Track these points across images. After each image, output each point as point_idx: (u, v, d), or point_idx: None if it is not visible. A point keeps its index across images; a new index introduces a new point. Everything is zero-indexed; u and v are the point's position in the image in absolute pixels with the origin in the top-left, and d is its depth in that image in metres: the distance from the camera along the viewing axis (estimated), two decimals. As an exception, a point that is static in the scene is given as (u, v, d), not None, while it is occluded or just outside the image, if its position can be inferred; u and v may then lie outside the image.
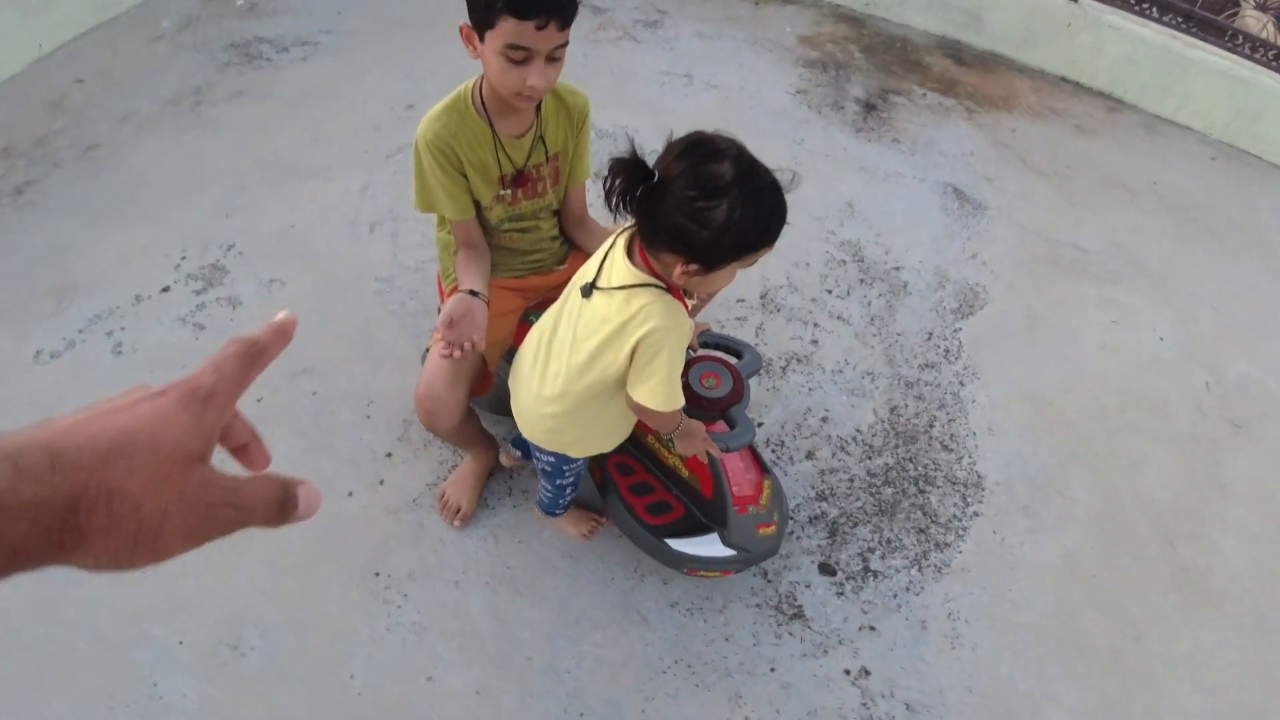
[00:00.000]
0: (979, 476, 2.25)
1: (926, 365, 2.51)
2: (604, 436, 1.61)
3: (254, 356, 0.51)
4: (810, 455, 2.23)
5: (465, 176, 1.64)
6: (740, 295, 2.61)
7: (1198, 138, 3.79)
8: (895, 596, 1.98)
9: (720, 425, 1.65)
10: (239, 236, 2.59)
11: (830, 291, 2.68)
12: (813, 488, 2.16)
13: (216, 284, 2.45)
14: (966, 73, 3.90)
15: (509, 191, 1.70)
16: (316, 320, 2.37)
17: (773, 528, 1.75)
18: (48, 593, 1.80)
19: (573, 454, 1.61)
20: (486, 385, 1.82)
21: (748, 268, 1.34)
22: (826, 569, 2.01)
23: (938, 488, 2.21)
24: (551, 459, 1.65)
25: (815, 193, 3.05)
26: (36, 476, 0.37)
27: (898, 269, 2.80)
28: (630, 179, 1.23)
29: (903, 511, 2.15)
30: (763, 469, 1.77)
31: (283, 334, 0.53)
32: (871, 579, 2.00)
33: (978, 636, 1.94)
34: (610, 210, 1.28)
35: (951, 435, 2.34)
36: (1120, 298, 2.86)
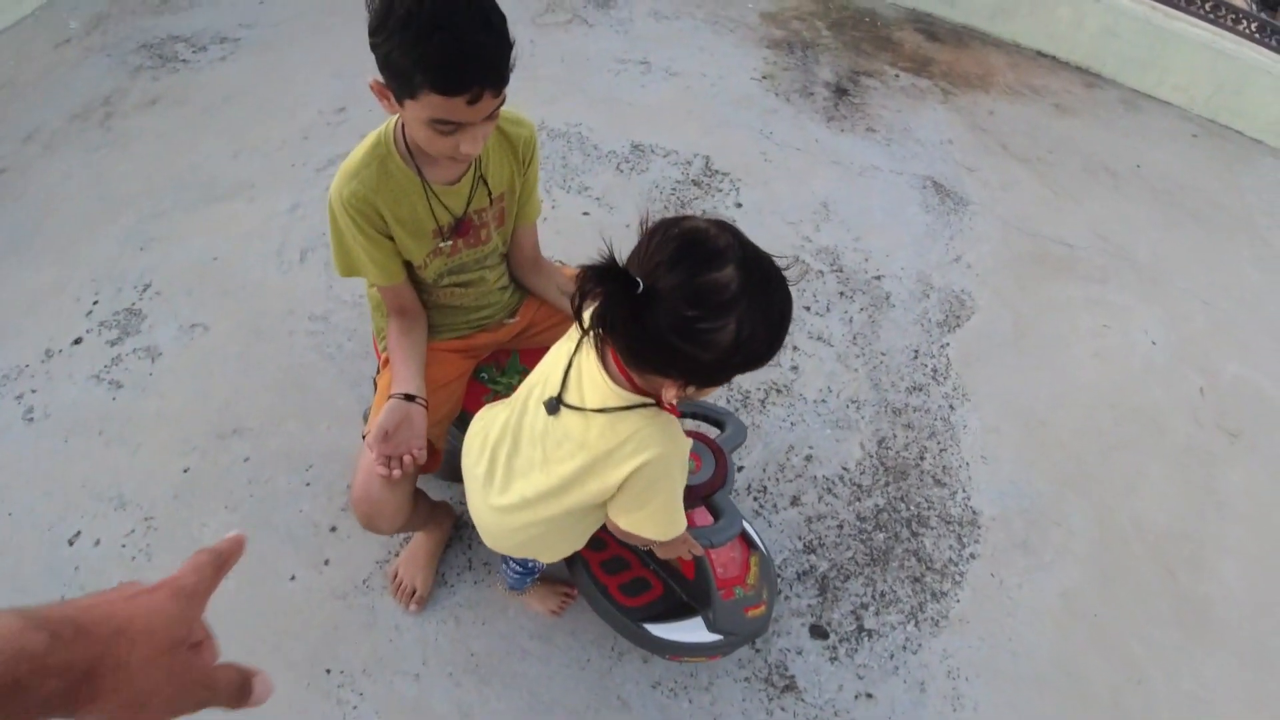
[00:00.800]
0: (974, 513, 2.11)
1: (914, 388, 2.35)
2: (582, 538, 1.40)
3: (220, 565, 0.62)
4: (795, 501, 2.06)
5: (390, 238, 1.41)
6: (713, 318, 2.42)
7: (1179, 113, 3.65)
8: (892, 657, 1.84)
9: (701, 511, 1.47)
10: (155, 272, 2.33)
11: (809, 308, 2.49)
12: (799, 538, 2.00)
13: (133, 332, 2.20)
14: (940, 49, 3.71)
15: (448, 243, 1.47)
16: (244, 369, 2.14)
17: (761, 608, 1.58)
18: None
19: (545, 560, 1.43)
20: (435, 463, 1.61)
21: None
22: (818, 631, 1.86)
23: (932, 529, 2.07)
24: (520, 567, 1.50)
25: (788, 191, 2.85)
26: (67, 644, 0.47)
27: (879, 278, 2.62)
28: (613, 296, 0.92)
29: (896, 559, 2.00)
30: (749, 544, 1.60)
31: (239, 547, 0.65)
32: (866, 639, 1.86)
33: (979, 695, 1.81)
34: (581, 329, 1.04)
35: (944, 467, 2.19)
36: (1110, 297, 2.72)
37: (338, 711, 1.65)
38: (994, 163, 3.14)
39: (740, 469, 2.10)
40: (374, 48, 1.15)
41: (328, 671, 1.69)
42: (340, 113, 2.87)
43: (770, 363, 1.06)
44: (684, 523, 1.21)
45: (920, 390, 2.35)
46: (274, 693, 0.60)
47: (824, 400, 2.28)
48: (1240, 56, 3.52)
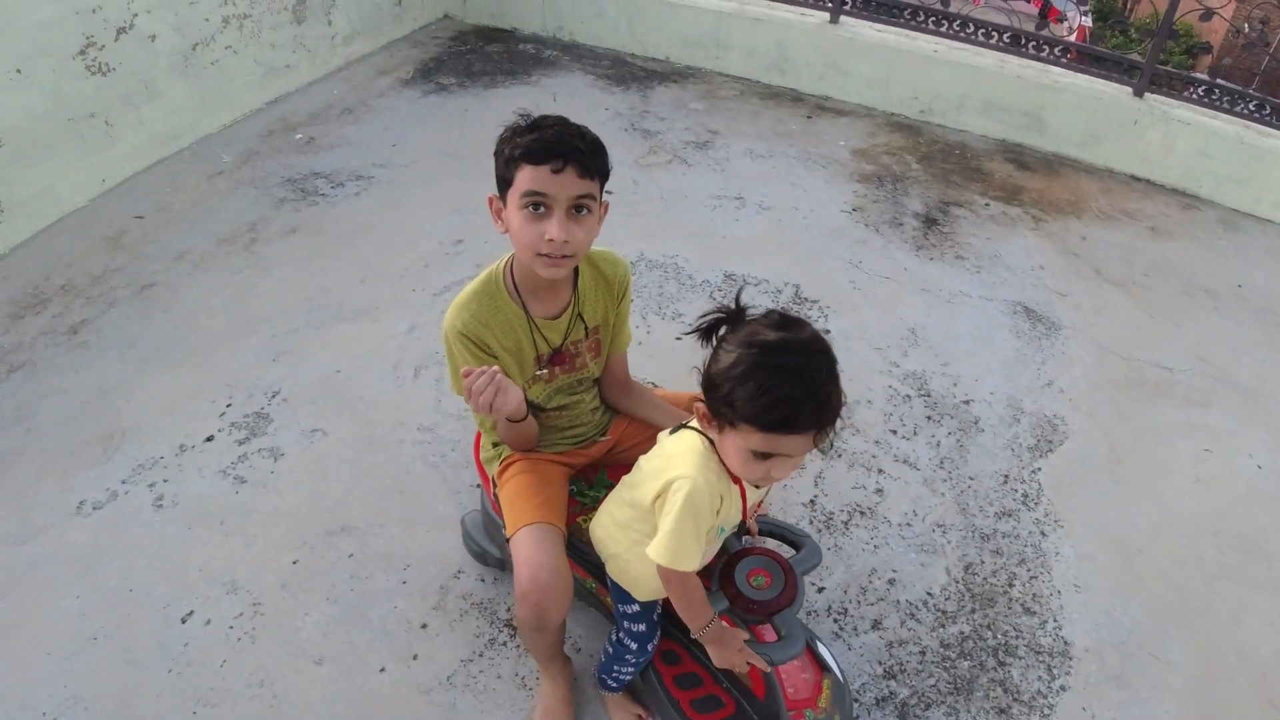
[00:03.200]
0: (1065, 643, 2.04)
1: (1003, 514, 2.31)
2: (651, 578, 1.45)
3: None
4: (876, 625, 2.04)
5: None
6: (797, 437, 2.46)
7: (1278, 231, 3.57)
8: (977, 795, 1.77)
9: (768, 629, 1.49)
10: (284, 382, 2.57)
11: (895, 432, 2.52)
12: (880, 663, 1.96)
13: (260, 433, 2.42)
14: (1030, 177, 3.77)
15: (545, 370, 1.61)
16: (356, 474, 2.30)
17: None
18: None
19: (623, 584, 1.54)
20: None
21: (755, 458, 1.21)
22: (898, 761, 1.81)
23: (1020, 658, 2.00)
24: (621, 601, 1.58)
25: (875, 319, 2.92)
26: None
27: (968, 402, 2.63)
28: (720, 320, 1.26)
29: (981, 689, 1.94)
30: (821, 666, 1.60)
31: None
32: (949, 773, 1.80)
33: (1071, 846, 1.71)
34: (698, 333, 1.29)
35: (1033, 595, 2.13)
36: (1211, 422, 2.64)
37: (415, 811, 1.70)
38: (1087, 287, 3.13)
39: (821, 590, 2.10)
40: (495, 171, 1.41)
41: (405, 771, 1.75)
42: (458, 244, 3.14)
43: (753, 433, 1.17)
44: (692, 560, 1.30)
45: (1010, 516, 2.31)
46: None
47: (909, 524, 2.27)
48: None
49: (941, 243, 3.31)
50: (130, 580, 2.06)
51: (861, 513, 2.29)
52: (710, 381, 1.21)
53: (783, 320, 1.21)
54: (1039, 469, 2.45)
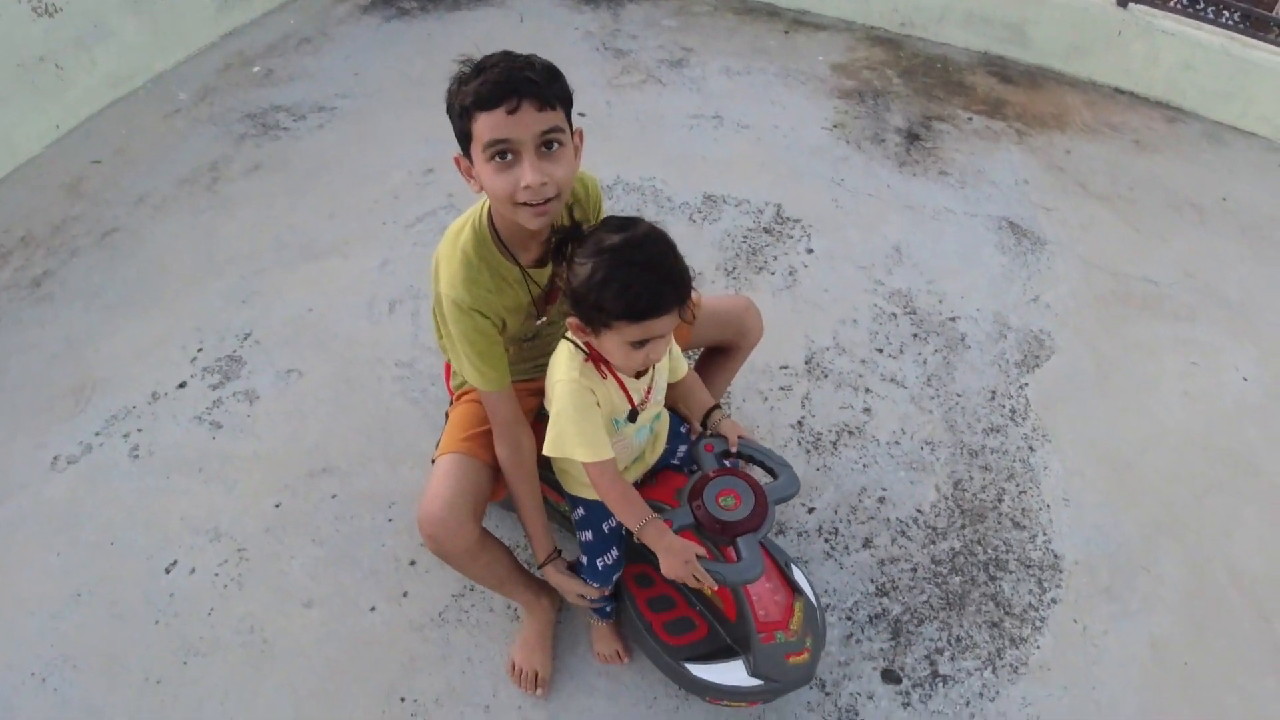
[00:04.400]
0: (1056, 557, 2.05)
1: (991, 429, 2.30)
2: (579, 472, 1.53)
3: None
4: (868, 543, 2.04)
5: (503, 328, 1.50)
6: (784, 361, 2.43)
7: (1265, 144, 3.53)
8: (968, 704, 1.78)
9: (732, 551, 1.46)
10: (256, 324, 2.50)
11: (881, 350, 2.49)
12: (872, 581, 1.97)
13: (233, 377, 2.35)
14: (1013, 91, 3.69)
15: (543, 318, 1.58)
16: (335, 413, 2.26)
17: (804, 655, 1.53)
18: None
19: (563, 483, 1.62)
20: (500, 491, 1.67)
21: (632, 348, 1.32)
22: (890, 676, 1.82)
23: (1010, 573, 2.01)
24: (570, 506, 1.64)
25: (859, 238, 2.87)
26: None
27: (953, 319, 2.60)
28: (565, 237, 1.33)
29: (973, 603, 1.95)
30: (793, 589, 1.57)
31: None
32: (941, 685, 1.81)
33: (1060, 750, 1.74)
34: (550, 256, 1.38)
35: (1023, 510, 2.13)
36: (1199, 335, 2.63)
37: (412, 742, 1.70)
38: (1072, 202, 3.08)
39: (811, 510, 2.10)
40: (451, 125, 1.33)
41: (402, 700, 1.74)
42: (428, 174, 3.04)
43: (626, 326, 1.28)
44: (579, 448, 1.38)
45: (998, 432, 2.30)
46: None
47: (897, 442, 2.26)
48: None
49: (924, 158, 3.24)
50: (111, 533, 2.03)
51: (850, 432, 2.27)
52: (576, 295, 1.30)
53: (619, 222, 1.31)
54: (1026, 384, 2.43)
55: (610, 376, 1.42)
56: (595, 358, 1.40)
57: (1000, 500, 2.15)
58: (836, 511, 2.10)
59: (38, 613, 1.87)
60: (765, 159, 3.16)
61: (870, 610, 1.92)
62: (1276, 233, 3.05)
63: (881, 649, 1.86)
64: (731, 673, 1.55)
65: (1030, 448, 2.27)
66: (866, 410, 2.33)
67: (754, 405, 2.32)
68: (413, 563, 1.97)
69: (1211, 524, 2.14)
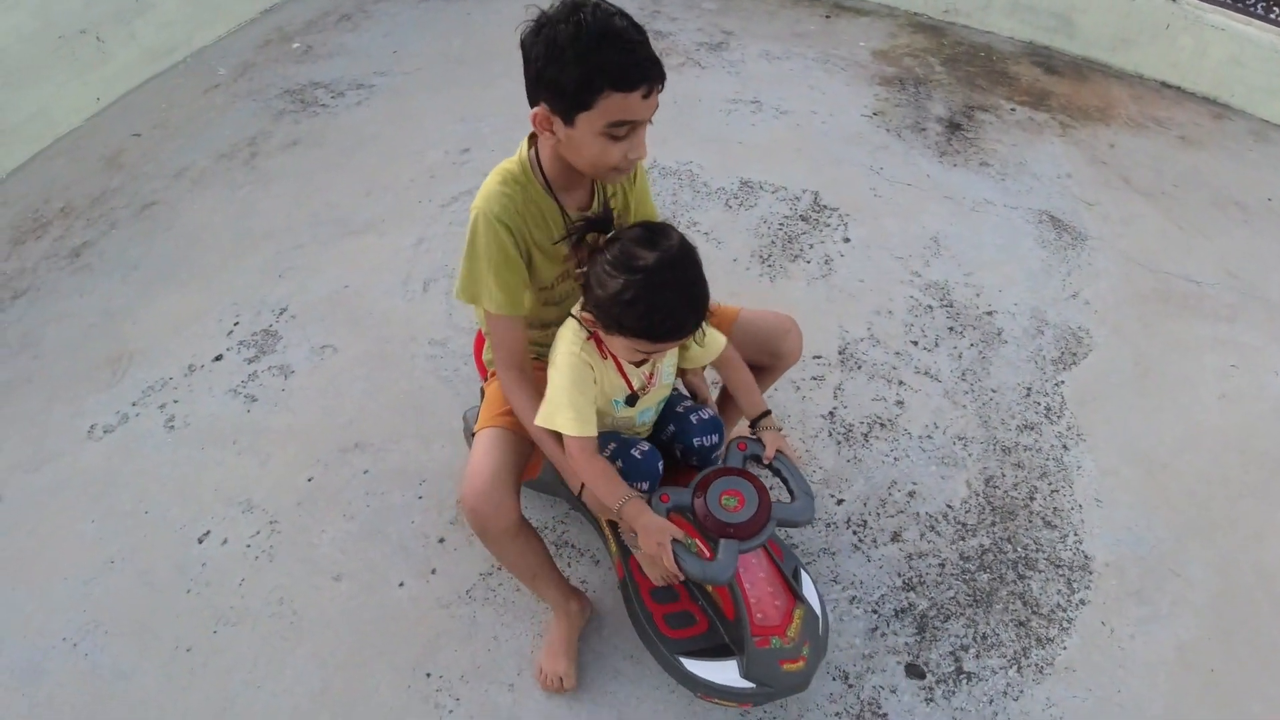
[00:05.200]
0: (1086, 558, 2.02)
1: (1025, 426, 2.28)
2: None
3: None
4: (896, 537, 2.02)
5: (525, 262, 1.48)
6: (817, 351, 2.41)
7: (1315, 145, 3.43)
8: (991, 702, 1.77)
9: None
10: (291, 299, 2.52)
11: (916, 343, 2.46)
12: (899, 575, 1.95)
13: (269, 351, 2.38)
14: (1058, 82, 3.62)
15: (580, 265, 1.55)
16: (368, 389, 2.28)
17: (800, 663, 1.50)
18: (99, 688, 1.73)
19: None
20: (535, 469, 1.67)
21: (643, 355, 1.38)
22: (914, 671, 1.81)
23: (1040, 572, 1.99)
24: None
25: (897, 228, 2.83)
26: None
27: (990, 313, 2.56)
28: (590, 226, 1.35)
29: (1000, 601, 1.93)
30: (794, 595, 1.54)
31: None
32: (965, 682, 1.79)
33: (1083, 752, 1.72)
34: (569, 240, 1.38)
35: (1054, 509, 2.11)
36: (1239, 337, 2.57)
37: (434, 715, 1.71)
38: (1115, 197, 3.03)
39: (840, 502, 2.08)
40: (540, 79, 1.28)
41: (428, 676, 1.76)
42: (465, 153, 3.04)
43: (640, 344, 1.34)
44: (564, 419, 1.40)
45: (1032, 429, 2.28)
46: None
47: (929, 436, 2.24)
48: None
49: (965, 149, 3.19)
50: (145, 502, 2.06)
51: (881, 425, 2.26)
52: (598, 302, 1.32)
53: (649, 235, 1.31)
54: (1062, 382, 2.40)
55: (610, 359, 1.45)
56: (598, 339, 1.44)
57: (1032, 499, 2.13)
58: (866, 504, 2.09)
59: (71, 579, 1.91)
60: (803, 145, 3.13)
61: (896, 604, 1.91)
62: (1323, 234, 2.98)
63: (906, 643, 1.85)
64: (724, 672, 1.55)
65: (1064, 446, 2.24)
66: (899, 403, 2.31)
67: (786, 394, 2.31)
68: (441, 540, 1.98)
69: (1244, 528, 2.10)
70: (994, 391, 2.36)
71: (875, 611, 1.89)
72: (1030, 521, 2.08)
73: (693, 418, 1.66)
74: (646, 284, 1.27)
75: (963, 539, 2.04)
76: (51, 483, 2.10)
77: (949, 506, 2.10)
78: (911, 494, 2.11)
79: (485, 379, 1.79)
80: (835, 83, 3.49)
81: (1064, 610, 1.93)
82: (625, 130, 1.28)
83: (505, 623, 1.85)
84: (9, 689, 1.73)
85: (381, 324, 2.46)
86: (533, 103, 1.33)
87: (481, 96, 3.26)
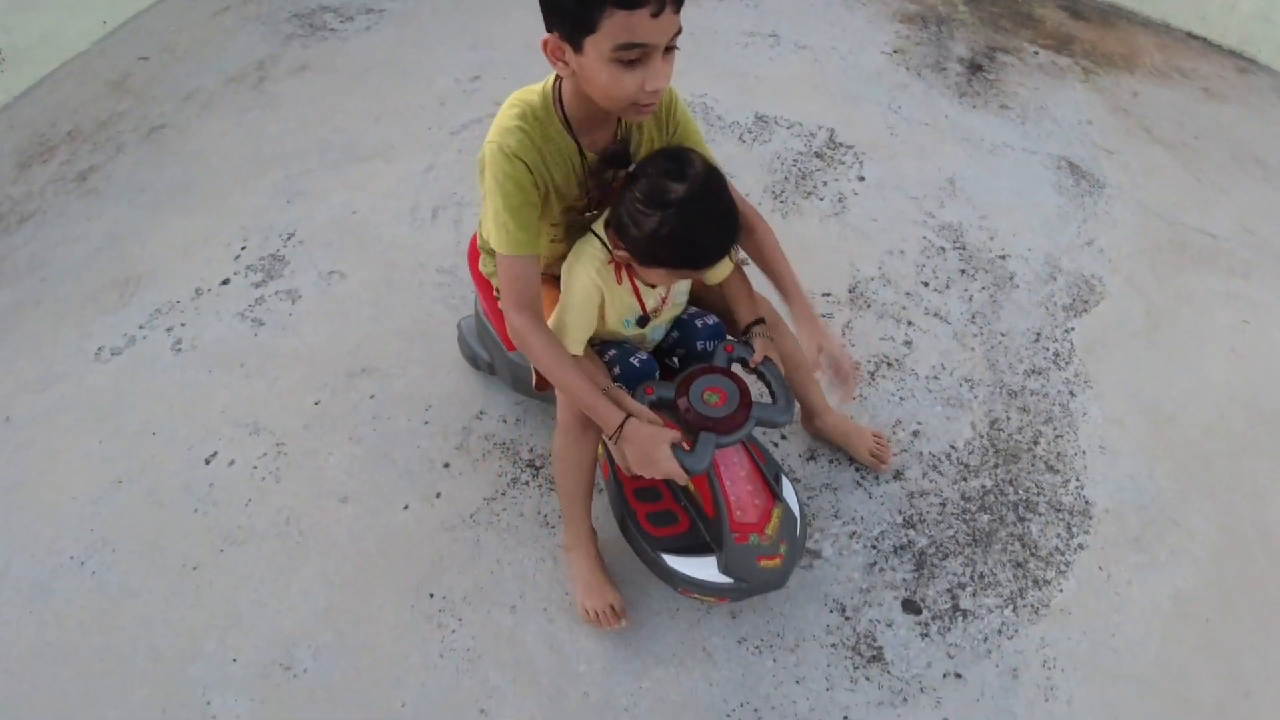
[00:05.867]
0: (1087, 503, 2.03)
1: (1033, 371, 2.27)
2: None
3: None
4: (899, 475, 2.03)
5: (544, 201, 1.43)
6: (827, 289, 2.40)
7: (1340, 102, 3.36)
8: (986, 640, 1.79)
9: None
10: (299, 224, 2.51)
11: (927, 284, 2.45)
12: (900, 513, 1.97)
13: (276, 276, 2.38)
14: (1084, 27, 3.54)
15: (593, 208, 1.52)
16: (375, 315, 2.28)
17: (777, 560, 1.56)
18: (107, 605, 1.77)
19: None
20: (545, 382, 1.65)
21: (683, 279, 1.46)
22: (911, 606, 1.83)
23: (1040, 515, 2.00)
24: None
25: (913, 168, 2.80)
26: None
27: (1004, 257, 2.54)
28: (607, 161, 1.39)
29: (999, 542, 1.94)
30: (774, 495, 1.60)
31: None
32: (960, 619, 1.82)
33: (1074, 688, 1.73)
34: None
35: (1058, 454, 2.11)
36: (1252, 293, 2.55)
37: (437, 634, 1.74)
38: (1135, 146, 2.98)
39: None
40: (546, 1, 1.21)
41: (431, 596, 1.79)
42: (475, 80, 3.00)
43: (682, 272, 1.41)
44: (567, 335, 1.47)
45: (1039, 374, 2.27)
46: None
47: (936, 377, 2.23)
48: None
49: (986, 90, 3.13)
50: (152, 423, 2.08)
51: (889, 364, 2.25)
52: (632, 241, 1.35)
53: (675, 164, 1.33)
54: (1072, 329, 2.38)
55: (627, 282, 1.48)
56: (616, 264, 1.45)
57: (1036, 443, 2.13)
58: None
59: (79, 498, 1.93)
60: (820, 81, 3.07)
61: (896, 541, 1.93)
62: (1346, 192, 2.93)
63: (904, 579, 1.87)
64: (703, 568, 1.60)
65: (1071, 393, 2.24)
66: (907, 343, 2.30)
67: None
68: (446, 465, 2.00)
69: (1247, 485, 2.10)
70: (1003, 335, 2.35)
71: (874, 547, 1.91)
72: (1033, 465, 2.09)
73: (697, 323, 1.69)
74: (681, 216, 1.29)
75: (964, 479, 2.04)
76: (58, 403, 2.12)
77: (952, 447, 2.10)
78: (916, 433, 2.12)
79: (481, 289, 1.83)
80: (856, 19, 3.42)
81: (1062, 554, 1.94)
82: (636, 54, 1.18)
83: (508, 547, 1.87)
84: (17, 607, 1.77)
85: (389, 250, 2.45)
86: (547, 29, 1.25)
87: (492, 24, 3.20)
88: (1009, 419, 2.17)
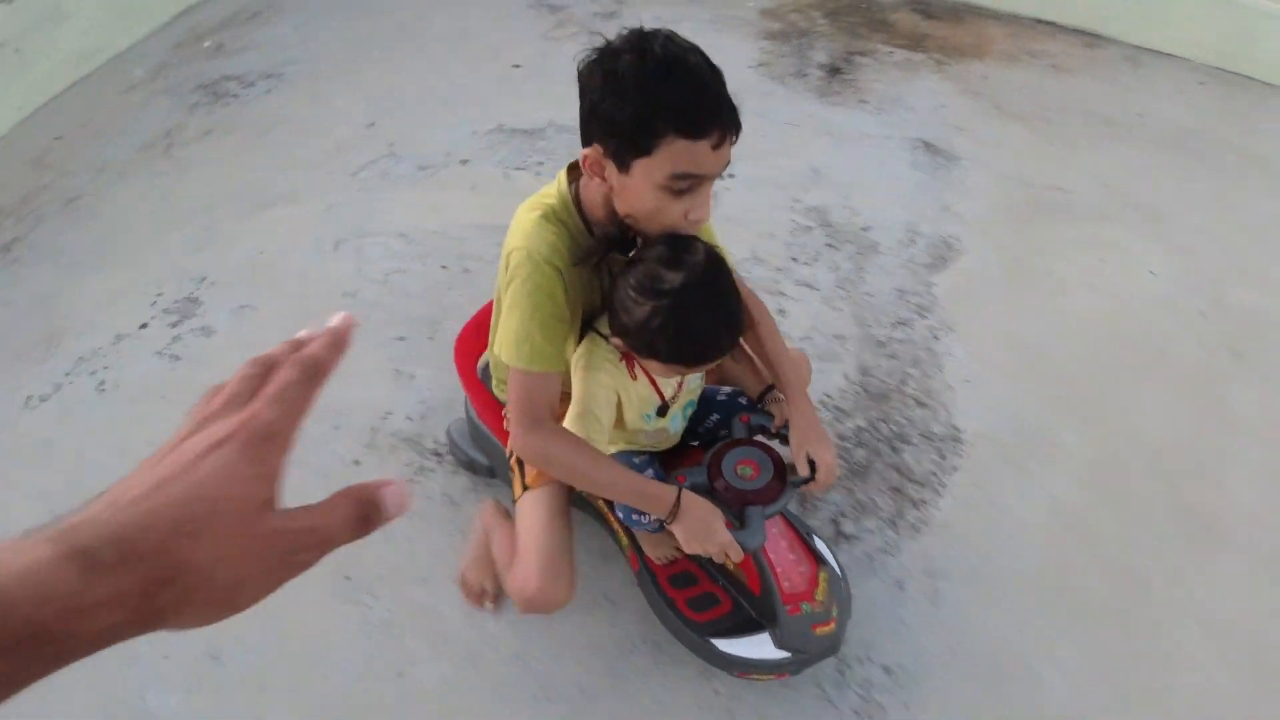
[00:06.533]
0: (957, 430, 2.20)
1: (898, 323, 2.46)
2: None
3: (313, 377, 0.48)
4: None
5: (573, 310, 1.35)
6: (704, 273, 2.58)
7: (1185, 65, 3.65)
8: (870, 559, 1.94)
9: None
10: (210, 268, 2.66)
11: (796, 259, 2.65)
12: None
13: (190, 315, 2.52)
14: (936, 26, 3.83)
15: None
16: (284, 338, 2.41)
17: (831, 625, 1.53)
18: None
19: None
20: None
21: (676, 375, 1.37)
22: (795, 535, 1.98)
23: (912, 445, 2.17)
24: None
25: (782, 162, 3.02)
26: (110, 570, 0.37)
27: (866, 229, 2.75)
28: (610, 247, 1.27)
29: (875, 473, 2.11)
30: (817, 560, 1.57)
31: (338, 343, 0.49)
32: (844, 542, 1.97)
33: (961, 595, 1.87)
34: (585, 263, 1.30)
35: (926, 391, 2.29)
36: (1107, 236, 2.77)
37: (356, 612, 1.85)
38: (987, 122, 3.24)
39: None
40: (594, 115, 1.15)
41: (347, 579, 1.91)
42: (370, 127, 3.20)
43: (677, 368, 1.32)
44: (592, 429, 1.40)
45: (905, 324, 2.46)
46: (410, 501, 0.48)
47: (809, 337, 2.42)
48: (1247, 2, 3.49)
49: (845, 89, 3.39)
50: (82, 459, 2.18)
51: (763, 331, 2.43)
52: (626, 331, 1.26)
53: (673, 254, 1.22)
54: (934, 283, 2.58)
55: (642, 376, 1.41)
56: (629, 359, 1.37)
57: (904, 383, 2.31)
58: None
59: (15, 537, 2.03)
60: (692, 99, 3.31)
61: (778, 481, 2.07)
62: (1191, 144, 3.19)
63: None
64: (759, 646, 1.55)
65: (935, 337, 2.43)
66: (781, 311, 2.49)
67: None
68: (357, 462, 2.13)
69: (1116, 400, 2.25)
70: (869, 295, 2.54)
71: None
72: (903, 403, 2.26)
73: (741, 399, 1.69)
74: (675, 309, 1.19)
75: (839, 421, 2.21)
76: (-6, 453, 2.22)
77: (827, 395, 2.27)
78: (792, 388, 2.28)
79: (471, 392, 1.84)
80: (724, 40, 3.68)
81: (937, 476, 2.10)
82: (688, 185, 1.13)
83: (419, 529, 1.99)
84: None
85: (297, 282, 2.61)
86: (585, 142, 1.19)
87: (385, 77, 3.41)
88: (878, 365, 2.35)
